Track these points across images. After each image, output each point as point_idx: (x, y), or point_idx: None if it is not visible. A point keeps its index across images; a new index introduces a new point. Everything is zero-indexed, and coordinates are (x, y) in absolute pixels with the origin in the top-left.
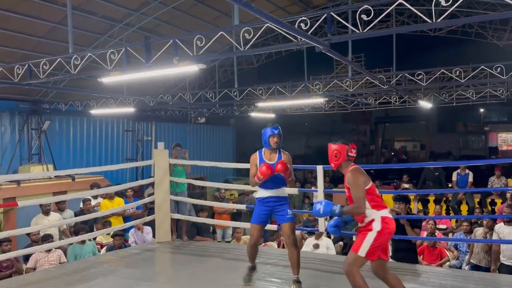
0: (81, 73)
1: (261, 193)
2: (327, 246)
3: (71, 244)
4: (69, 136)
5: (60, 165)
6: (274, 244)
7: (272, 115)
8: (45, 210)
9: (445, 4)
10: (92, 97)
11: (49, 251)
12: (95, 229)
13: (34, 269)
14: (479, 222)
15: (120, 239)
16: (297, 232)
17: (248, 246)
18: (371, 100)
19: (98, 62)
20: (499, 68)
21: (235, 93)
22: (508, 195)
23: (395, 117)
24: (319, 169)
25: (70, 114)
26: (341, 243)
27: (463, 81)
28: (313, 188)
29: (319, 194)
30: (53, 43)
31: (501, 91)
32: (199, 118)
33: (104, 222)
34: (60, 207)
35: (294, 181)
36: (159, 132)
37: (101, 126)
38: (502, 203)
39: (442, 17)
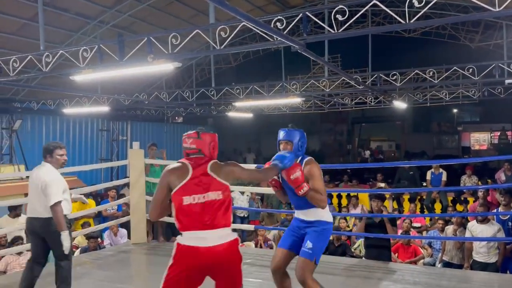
0: (53, 71)
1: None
2: None
3: None
4: (42, 136)
5: (32, 166)
6: (251, 244)
7: (250, 115)
8: (14, 211)
9: (418, 5)
10: (65, 95)
11: (20, 253)
12: None
13: (5, 272)
14: (452, 220)
15: (95, 241)
16: (275, 232)
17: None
18: (347, 100)
19: (71, 60)
20: (471, 69)
21: (212, 93)
22: (480, 193)
23: (371, 117)
24: None
25: (42, 113)
26: None
27: (436, 81)
28: None
29: None
30: (24, 40)
31: (473, 91)
32: (176, 118)
33: (84, 223)
34: None
35: (322, 200)
36: (134, 131)
37: (75, 126)
38: (474, 201)
39: (415, 18)
